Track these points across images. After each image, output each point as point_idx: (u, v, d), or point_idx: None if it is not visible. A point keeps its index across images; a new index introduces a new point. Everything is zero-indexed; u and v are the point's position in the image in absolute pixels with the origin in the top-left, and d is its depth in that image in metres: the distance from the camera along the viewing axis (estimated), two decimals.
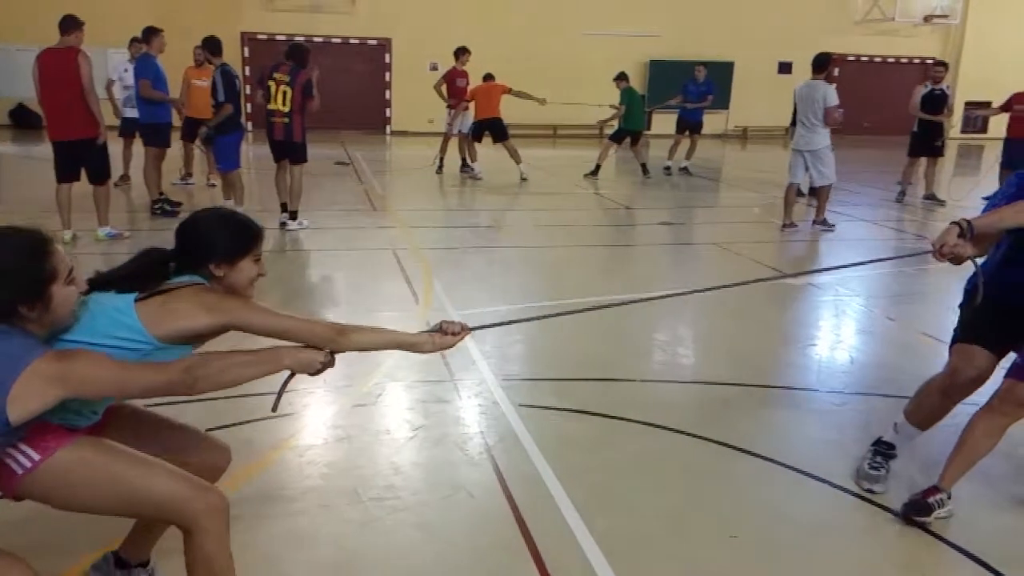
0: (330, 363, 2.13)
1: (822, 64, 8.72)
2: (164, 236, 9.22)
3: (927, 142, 10.86)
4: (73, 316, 1.95)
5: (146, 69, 8.44)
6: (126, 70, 10.09)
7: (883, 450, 3.26)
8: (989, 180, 11.08)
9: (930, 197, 10.77)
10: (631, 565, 2.64)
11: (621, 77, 12.79)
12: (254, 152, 12.94)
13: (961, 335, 3.12)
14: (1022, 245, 2.92)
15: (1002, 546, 2.83)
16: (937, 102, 10.75)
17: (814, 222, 8.78)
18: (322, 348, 2.12)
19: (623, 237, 8.86)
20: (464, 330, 2.36)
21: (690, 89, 13.10)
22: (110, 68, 10.60)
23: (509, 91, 12.05)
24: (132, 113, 9.44)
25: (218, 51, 7.97)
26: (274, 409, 2.29)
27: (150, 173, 8.61)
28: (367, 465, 3.28)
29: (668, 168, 12.94)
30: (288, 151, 8.01)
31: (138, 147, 9.21)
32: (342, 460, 3.32)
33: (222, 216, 2.26)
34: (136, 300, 2.01)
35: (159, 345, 1.99)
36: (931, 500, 2.94)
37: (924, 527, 2.90)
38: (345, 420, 3.68)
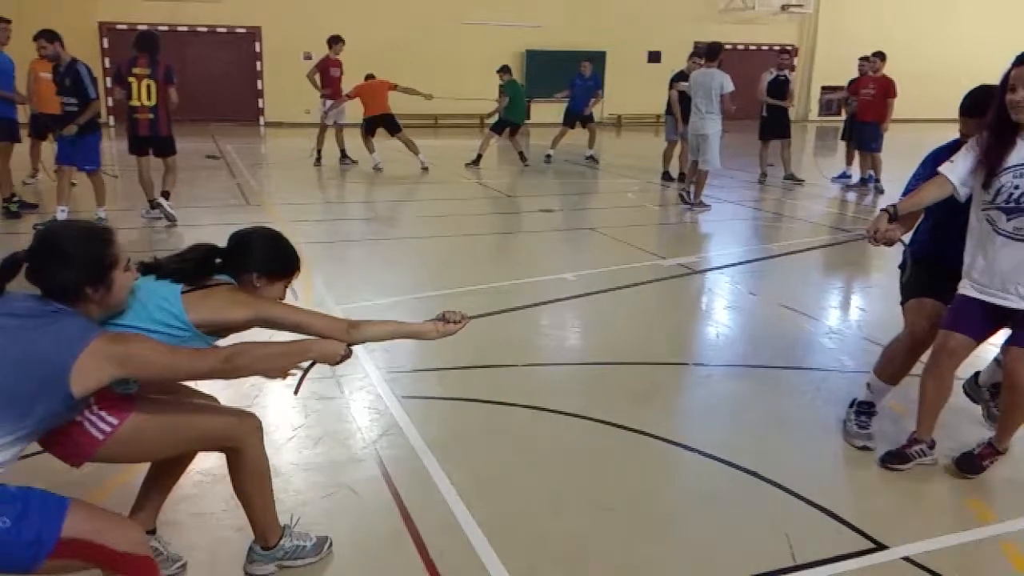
0: (348, 355, 2.36)
1: (714, 53, 9.15)
2: (16, 239, 8.49)
3: (775, 125, 11.53)
4: (127, 301, 2.18)
5: None
6: None
7: (864, 409, 3.53)
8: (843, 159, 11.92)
9: (789, 177, 11.44)
10: (512, 546, 2.70)
11: (504, 70, 12.88)
12: (117, 148, 12.21)
13: (908, 294, 3.45)
14: (951, 212, 3.18)
15: (861, 504, 3.07)
16: (781, 87, 11.42)
17: (692, 205, 9.19)
18: (338, 340, 2.34)
19: (506, 225, 8.94)
20: (464, 318, 2.60)
21: (577, 84, 13.24)
22: None
23: (395, 88, 11.93)
24: None
25: (62, 43, 7.45)
26: (296, 393, 2.51)
27: (0, 171, 8.00)
28: None
29: (549, 156, 13.14)
30: (155, 146, 7.76)
31: None
32: (217, 466, 3.18)
33: (277, 240, 2.50)
34: (181, 292, 2.26)
35: (195, 334, 2.24)
36: (909, 451, 3.23)
37: (806, 498, 3.11)
38: None
